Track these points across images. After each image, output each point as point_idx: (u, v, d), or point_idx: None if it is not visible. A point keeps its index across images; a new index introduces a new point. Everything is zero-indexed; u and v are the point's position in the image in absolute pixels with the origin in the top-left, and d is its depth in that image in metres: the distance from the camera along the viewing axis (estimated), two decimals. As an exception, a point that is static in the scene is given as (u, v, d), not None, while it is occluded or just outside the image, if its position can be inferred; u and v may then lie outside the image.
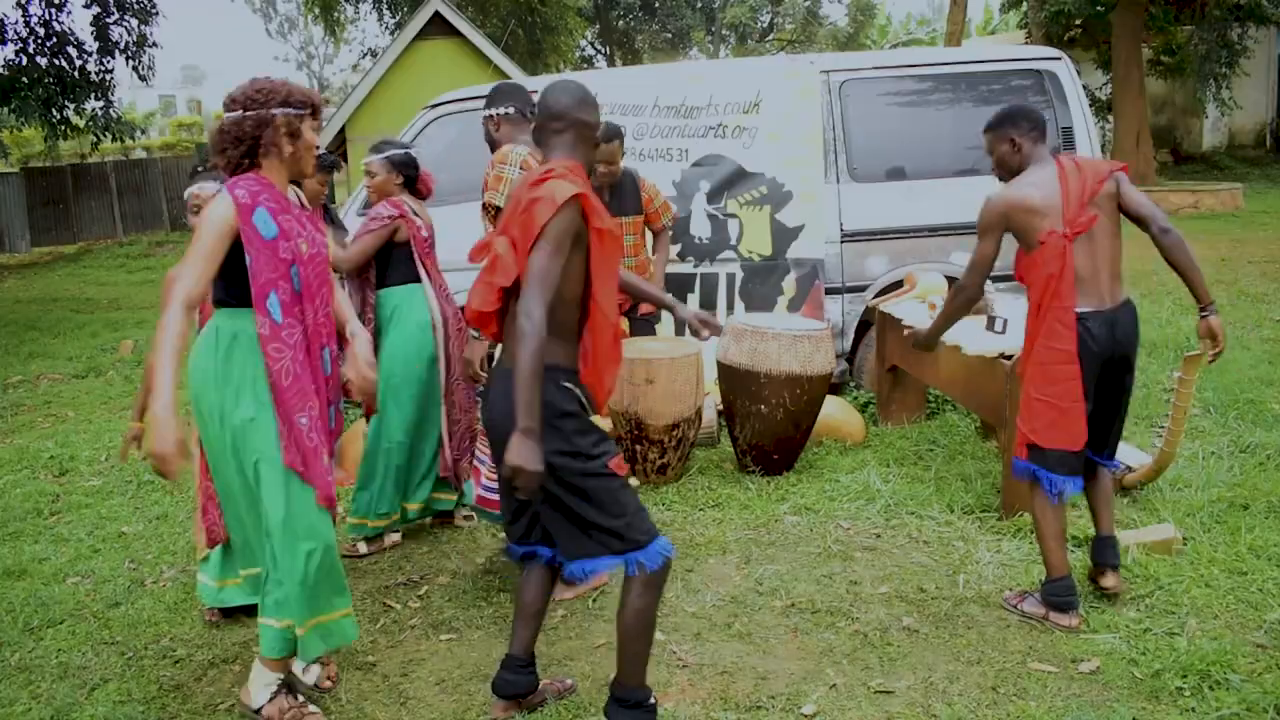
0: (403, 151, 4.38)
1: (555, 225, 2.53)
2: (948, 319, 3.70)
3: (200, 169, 3.68)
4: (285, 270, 2.79)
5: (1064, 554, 3.39)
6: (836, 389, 5.88)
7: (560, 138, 2.76)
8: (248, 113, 2.78)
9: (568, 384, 2.64)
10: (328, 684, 3.17)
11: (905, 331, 4.15)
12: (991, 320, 4.47)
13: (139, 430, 3.60)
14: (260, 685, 2.95)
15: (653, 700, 2.77)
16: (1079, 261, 3.28)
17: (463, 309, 3.36)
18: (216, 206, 2.72)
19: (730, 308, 5.99)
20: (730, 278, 6.00)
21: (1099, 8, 18.45)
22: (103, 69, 14.49)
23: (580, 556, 2.69)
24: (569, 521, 2.66)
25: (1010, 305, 4.52)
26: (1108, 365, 3.35)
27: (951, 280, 5.27)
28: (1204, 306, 3.36)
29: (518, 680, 2.94)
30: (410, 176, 4.38)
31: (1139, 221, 3.33)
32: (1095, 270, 3.31)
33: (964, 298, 3.58)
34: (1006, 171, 3.53)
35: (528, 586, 2.96)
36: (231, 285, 2.79)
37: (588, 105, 2.78)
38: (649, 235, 5.44)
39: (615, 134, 4.99)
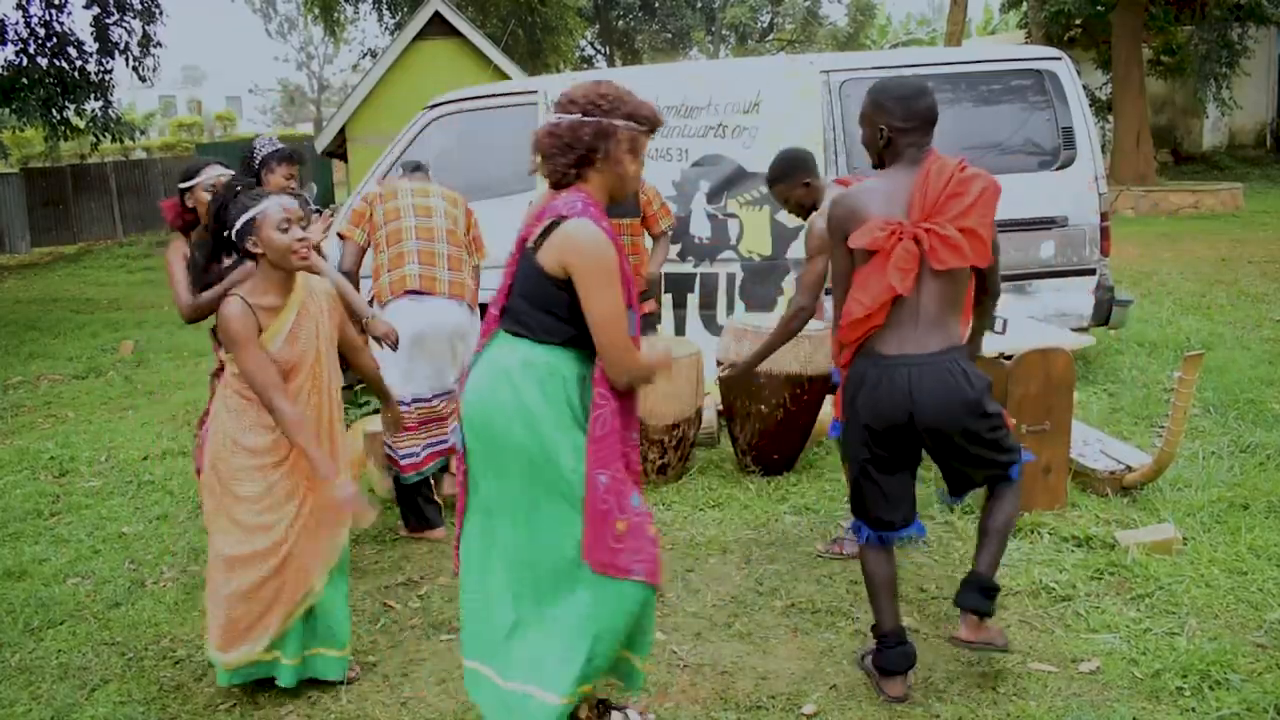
0: None
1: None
2: (770, 348, 3.99)
3: (228, 189, 3.06)
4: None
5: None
6: (837, 389, 5.87)
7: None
8: (588, 118, 2.43)
9: None
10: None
11: (722, 371, 4.41)
12: (991, 320, 4.47)
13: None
14: None
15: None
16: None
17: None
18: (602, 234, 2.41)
19: (730, 308, 5.99)
20: (730, 278, 6.00)
21: (1099, 8, 18.45)
22: (103, 69, 14.49)
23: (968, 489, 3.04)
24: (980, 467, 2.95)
25: (1010, 306, 4.52)
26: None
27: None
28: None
29: (909, 650, 2.96)
30: None
31: None
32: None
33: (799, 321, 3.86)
34: (805, 211, 3.94)
35: (885, 564, 2.98)
36: (573, 317, 2.43)
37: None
38: (648, 237, 5.45)
39: None
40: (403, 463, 4.31)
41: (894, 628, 2.96)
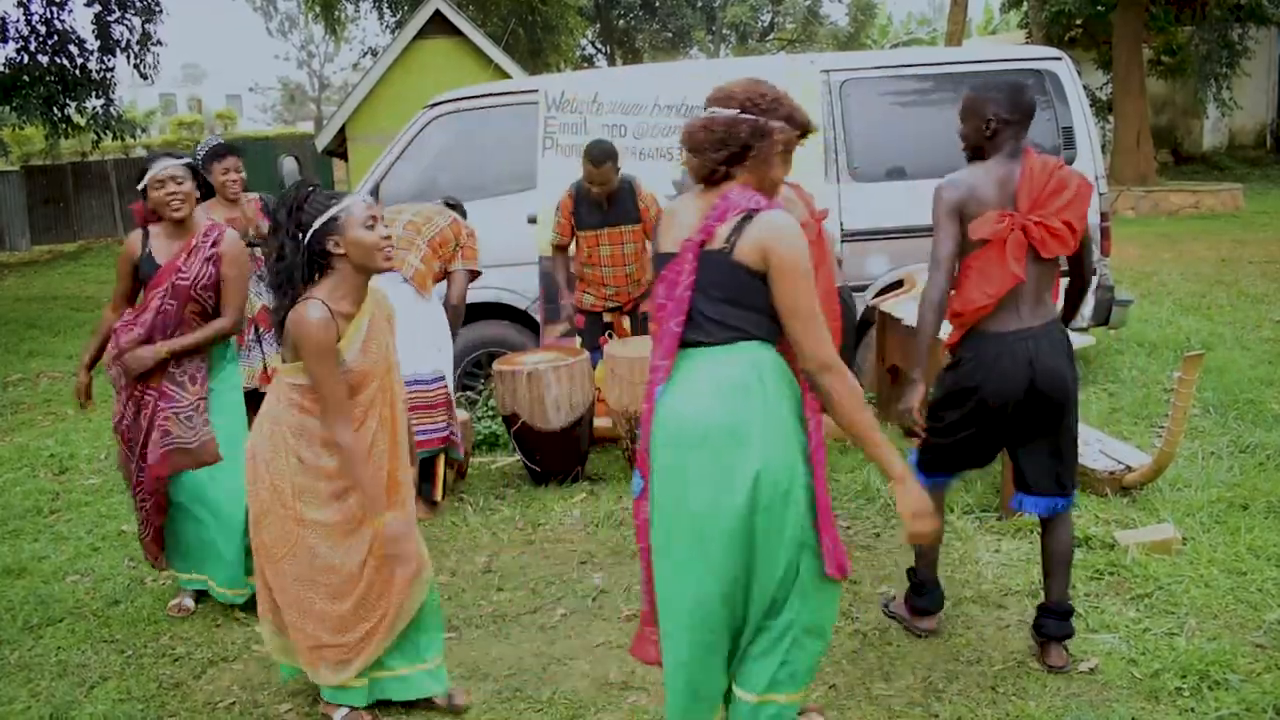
0: None
1: None
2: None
3: (299, 189, 2.80)
4: None
5: None
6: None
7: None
8: (745, 115, 2.34)
9: None
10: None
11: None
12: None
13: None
14: None
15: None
16: None
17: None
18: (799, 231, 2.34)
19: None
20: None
21: (1099, 8, 18.44)
22: (104, 67, 14.48)
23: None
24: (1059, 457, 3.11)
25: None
26: None
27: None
28: None
29: (942, 592, 3.37)
30: None
31: None
32: None
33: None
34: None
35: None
36: (773, 313, 2.33)
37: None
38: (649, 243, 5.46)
39: (608, 156, 5.06)
40: None
41: (934, 575, 3.35)
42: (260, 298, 4.66)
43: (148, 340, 3.57)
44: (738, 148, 2.34)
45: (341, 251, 2.70)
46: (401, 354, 4.09)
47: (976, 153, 3.11)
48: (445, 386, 4.60)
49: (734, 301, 2.31)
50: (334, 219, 2.68)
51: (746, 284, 2.29)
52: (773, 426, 2.27)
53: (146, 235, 3.61)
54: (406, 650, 2.96)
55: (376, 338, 2.82)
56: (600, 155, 5.02)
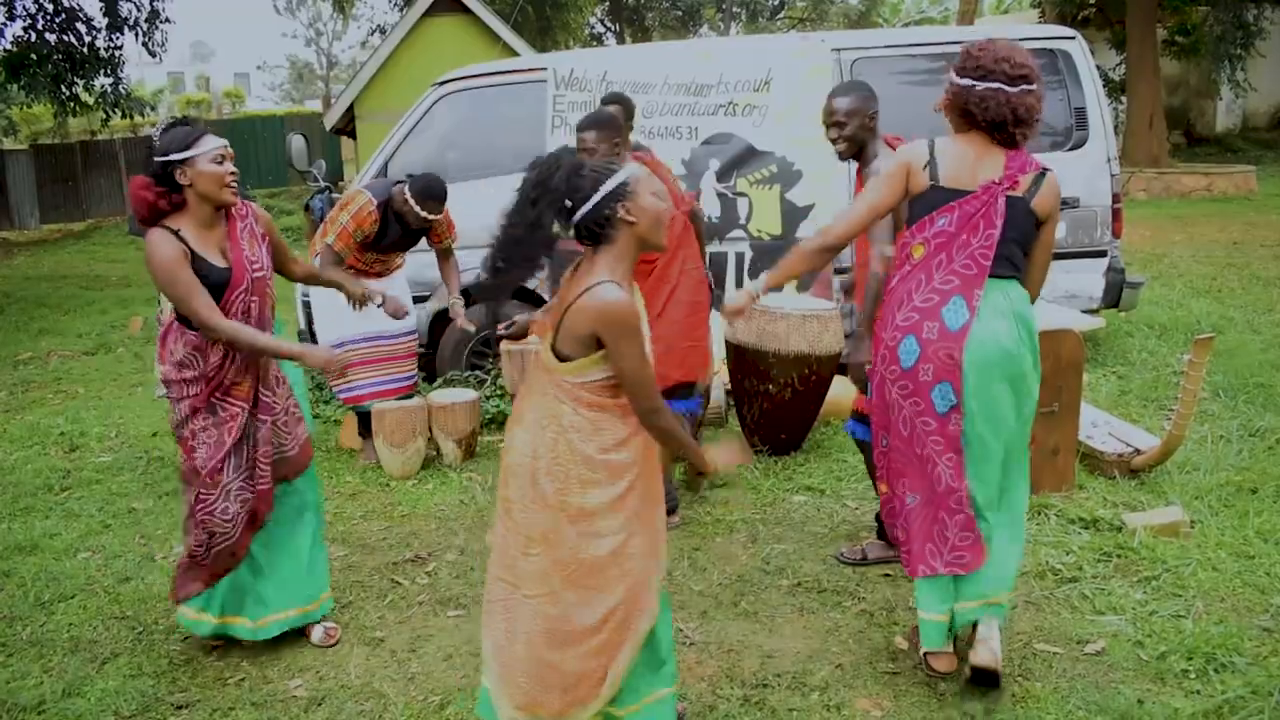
0: None
1: None
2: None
3: (564, 156, 2.44)
4: None
5: None
6: (845, 369, 5.87)
7: None
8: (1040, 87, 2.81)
9: None
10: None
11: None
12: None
13: None
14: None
15: None
16: None
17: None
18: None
19: (739, 287, 5.98)
20: (739, 257, 5.98)
21: (1113, -13, 18.27)
22: (112, 45, 14.44)
23: None
24: None
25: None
26: None
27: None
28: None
29: None
30: None
31: None
32: None
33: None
34: None
35: None
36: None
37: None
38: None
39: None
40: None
41: None
42: None
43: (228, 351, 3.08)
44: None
45: (633, 220, 2.35)
46: (373, 315, 4.64)
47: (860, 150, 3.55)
48: (414, 338, 5.13)
49: (1021, 244, 2.81)
50: (624, 184, 2.35)
51: (1031, 230, 2.82)
52: (1029, 349, 2.83)
53: (176, 231, 2.97)
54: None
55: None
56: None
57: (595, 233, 2.37)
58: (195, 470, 3.09)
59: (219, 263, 3.02)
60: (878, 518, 3.69)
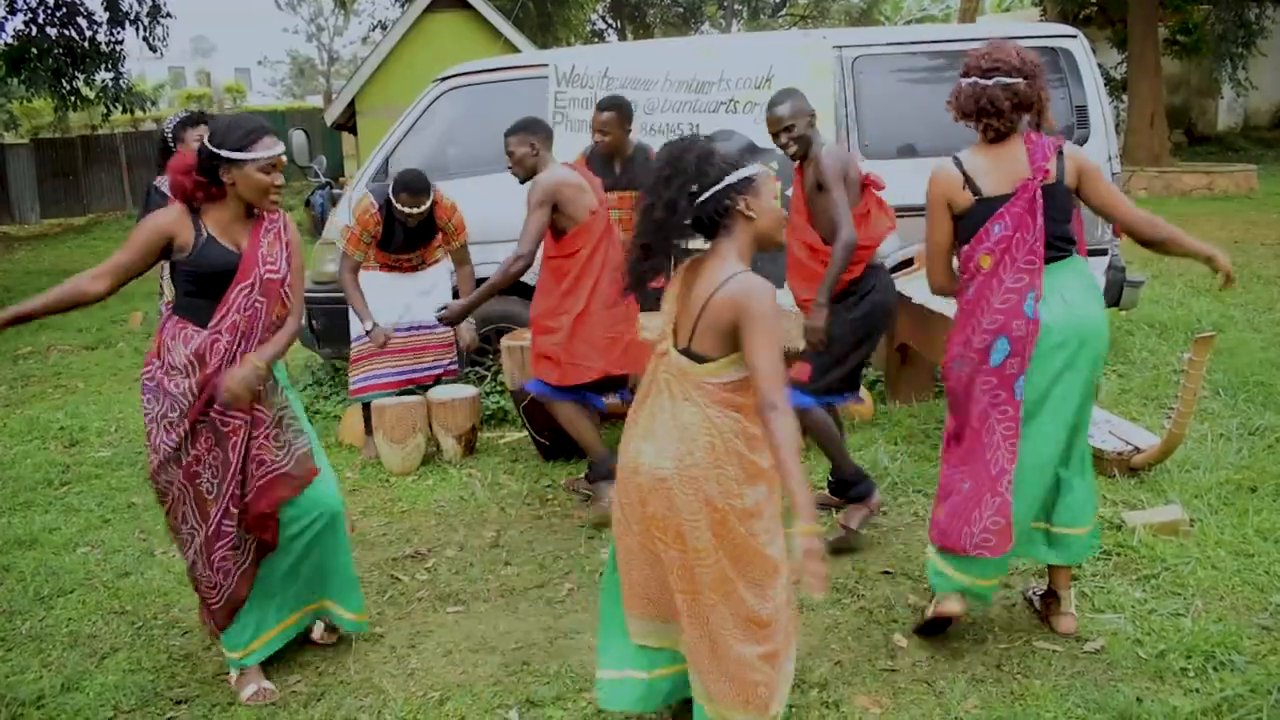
0: None
1: None
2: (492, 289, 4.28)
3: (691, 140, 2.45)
4: None
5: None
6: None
7: None
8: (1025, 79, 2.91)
9: None
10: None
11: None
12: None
13: None
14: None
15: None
16: None
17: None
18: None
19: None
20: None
21: (1115, -15, 18.24)
22: (113, 40, 14.43)
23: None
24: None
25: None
26: None
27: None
28: None
29: (872, 481, 4.06)
30: None
31: None
32: None
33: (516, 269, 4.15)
34: (526, 171, 4.26)
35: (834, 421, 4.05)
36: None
37: None
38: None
39: (612, 106, 5.02)
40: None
41: (853, 465, 3.99)
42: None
43: (230, 350, 2.93)
44: (1024, 111, 2.94)
45: (752, 214, 2.34)
46: (413, 307, 4.93)
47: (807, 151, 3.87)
48: (449, 329, 5.11)
49: (1068, 219, 2.98)
50: (750, 178, 2.33)
51: (1070, 204, 3.00)
52: (1104, 316, 3.04)
53: (197, 214, 2.91)
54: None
55: None
56: (606, 102, 5.02)
57: (714, 222, 2.34)
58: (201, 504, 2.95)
59: (231, 249, 2.92)
60: (828, 481, 4.15)
